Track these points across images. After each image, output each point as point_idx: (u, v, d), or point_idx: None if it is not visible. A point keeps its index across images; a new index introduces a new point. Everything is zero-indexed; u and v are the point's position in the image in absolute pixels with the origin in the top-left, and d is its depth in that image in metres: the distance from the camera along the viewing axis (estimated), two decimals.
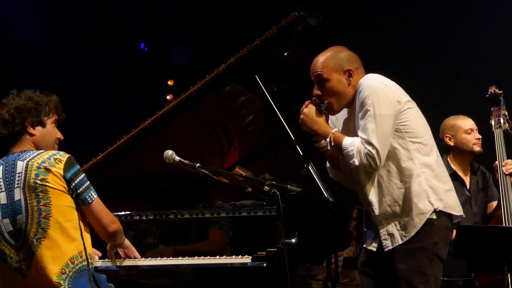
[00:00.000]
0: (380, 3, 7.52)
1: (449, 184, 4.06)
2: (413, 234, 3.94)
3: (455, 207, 4.03)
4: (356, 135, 3.99)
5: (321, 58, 4.09)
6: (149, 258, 4.41)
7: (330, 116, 4.19)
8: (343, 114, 4.20)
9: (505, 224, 5.08)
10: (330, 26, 4.93)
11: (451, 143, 5.55)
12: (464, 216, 4.15)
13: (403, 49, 7.30)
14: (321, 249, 4.54)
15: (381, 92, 3.95)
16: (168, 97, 8.24)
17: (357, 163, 3.93)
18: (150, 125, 4.81)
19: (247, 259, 4.23)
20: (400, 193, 3.97)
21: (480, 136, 5.53)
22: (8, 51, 7.88)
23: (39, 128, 3.82)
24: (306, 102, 4.11)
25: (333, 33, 4.93)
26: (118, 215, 4.57)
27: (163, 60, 8.47)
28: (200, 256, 4.34)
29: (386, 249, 4.00)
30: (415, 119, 4.03)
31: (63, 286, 3.62)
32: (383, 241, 4.02)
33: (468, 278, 5.15)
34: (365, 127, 3.92)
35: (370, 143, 3.89)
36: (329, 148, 4.07)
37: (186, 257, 4.36)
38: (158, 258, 4.41)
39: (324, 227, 4.52)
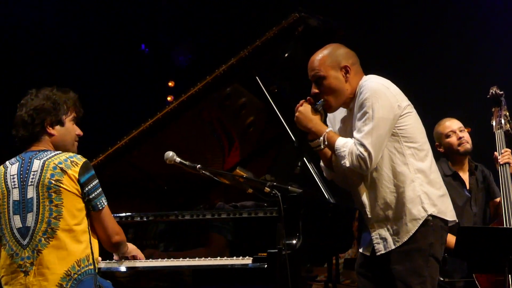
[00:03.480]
0: (381, 3, 7.51)
1: (442, 190, 4.06)
2: (406, 240, 3.94)
3: (447, 213, 4.02)
4: (352, 135, 3.99)
5: (318, 56, 4.09)
6: (149, 260, 4.41)
7: (328, 115, 4.19)
8: (341, 113, 4.19)
9: (506, 224, 5.07)
10: (331, 27, 4.92)
11: (442, 150, 5.57)
12: (457, 221, 4.15)
13: (404, 49, 7.30)
14: (322, 250, 4.54)
15: (382, 95, 3.94)
16: (168, 98, 8.24)
17: (347, 164, 3.92)
18: (150, 126, 4.80)
19: (248, 260, 4.22)
20: (393, 198, 3.97)
21: (463, 135, 5.50)
22: (9, 52, 7.88)
23: (58, 127, 3.84)
24: (301, 101, 4.10)
25: (334, 34, 4.92)
26: (119, 216, 4.58)
27: (164, 61, 8.47)
28: (201, 258, 4.34)
29: (379, 253, 4.00)
30: (413, 124, 4.02)
31: None
32: (375, 245, 4.01)
33: (469, 279, 5.14)
34: (361, 129, 3.91)
35: (363, 145, 3.88)
36: (322, 147, 4.06)
37: (187, 258, 4.35)
38: (159, 260, 4.40)
39: (325, 228, 4.52)
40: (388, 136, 3.94)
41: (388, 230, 3.98)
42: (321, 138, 4.03)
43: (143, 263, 4.36)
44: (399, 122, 3.97)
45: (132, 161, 4.98)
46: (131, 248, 4.21)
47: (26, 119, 3.79)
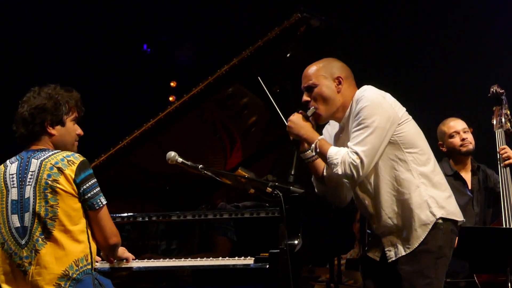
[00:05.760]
0: (383, 3, 7.52)
1: (448, 191, 4.06)
2: (416, 246, 3.94)
3: (456, 213, 4.04)
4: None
5: (312, 67, 4.13)
6: (151, 260, 4.42)
7: (323, 132, 4.19)
8: (336, 130, 4.19)
9: (506, 225, 5.07)
10: (333, 27, 4.92)
11: (444, 149, 5.58)
12: (464, 220, 4.15)
13: (405, 48, 7.29)
14: (324, 251, 4.54)
15: (379, 104, 3.94)
16: (170, 98, 8.24)
17: (340, 172, 3.90)
18: (152, 127, 4.80)
19: (249, 261, 4.23)
20: (400, 205, 3.97)
21: (466, 136, 5.50)
22: (11, 53, 7.89)
23: (58, 127, 3.81)
24: (294, 113, 4.11)
25: (336, 34, 4.92)
26: (121, 216, 4.59)
27: (166, 61, 8.48)
28: (203, 258, 4.35)
29: (390, 260, 4.00)
30: (411, 130, 4.02)
31: None
32: (387, 252, 4.02)
33: (471, 280, 5.14)
34: (356, 137, 3.90)
35: (356, 153, 3.86)
36: (314, 154, 4.05)
37: (189, 259, 4.36)
38: (160, 260, 4.41)
39: (327, 228, 4.52)
40: (383, 146, 3.93)
41: (399, 237, 3.98)
42: (313, 145, 4.01)
43: (145, 263, 4.37)
44: (397, 130, 3.96)
45: (134, 161, 4.99)
46: (121, 250, 4.22)
47: (26, 117, 3.77)
